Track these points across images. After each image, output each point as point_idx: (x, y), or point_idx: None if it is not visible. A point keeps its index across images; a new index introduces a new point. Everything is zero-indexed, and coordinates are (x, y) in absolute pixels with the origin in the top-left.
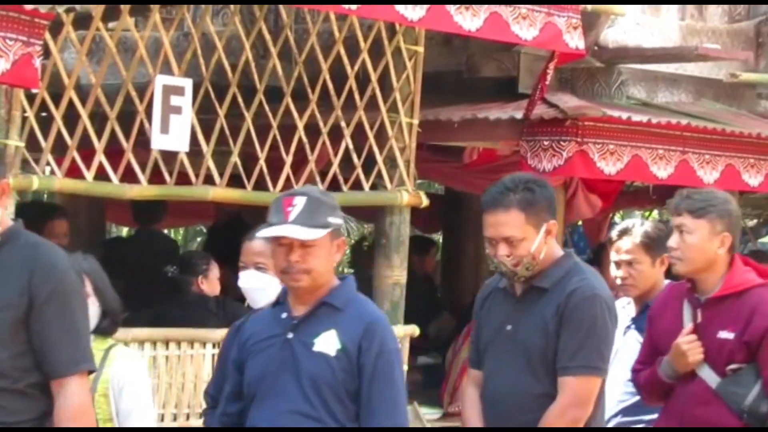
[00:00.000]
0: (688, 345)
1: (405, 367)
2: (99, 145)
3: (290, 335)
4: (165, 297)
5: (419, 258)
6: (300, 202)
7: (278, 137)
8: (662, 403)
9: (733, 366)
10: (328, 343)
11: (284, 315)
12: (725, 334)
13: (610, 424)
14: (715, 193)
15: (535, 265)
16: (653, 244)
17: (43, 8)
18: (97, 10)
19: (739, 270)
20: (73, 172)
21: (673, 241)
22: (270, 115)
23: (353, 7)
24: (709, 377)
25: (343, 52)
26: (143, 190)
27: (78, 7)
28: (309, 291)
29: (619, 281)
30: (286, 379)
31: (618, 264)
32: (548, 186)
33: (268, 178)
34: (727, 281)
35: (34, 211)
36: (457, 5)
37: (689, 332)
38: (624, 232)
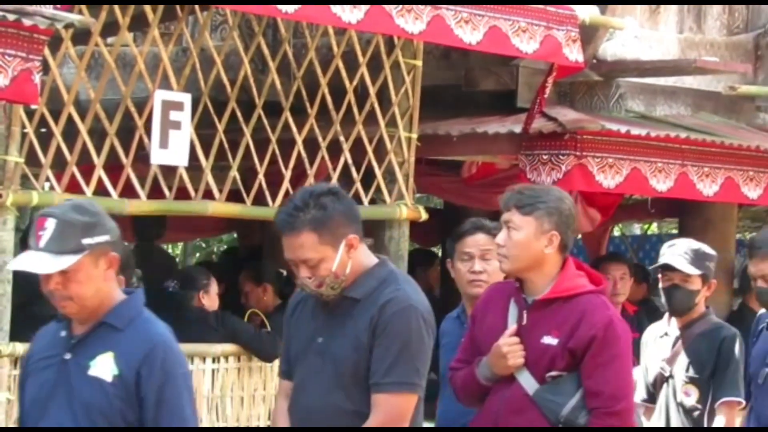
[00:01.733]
0: (509, 347)
1: None
2: (98, 161)
3: (68, 356)
4: (165, 312)
5: (423, 270)
6: (50, 225)
7: (277, 152)
8: (479, 405)
9: (553, 373)
10: (104, 367)
11: (63, 333)
12: (549, 340)
13: None
14: (548, 189)
15: (341, 282)
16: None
17: (42, 24)
18: (96, 25)
19: (571, 274)
20: (73, 188)
21: (499, 237)
22: (269, 129)
23: (352, 21)
24: (528, 383)
25: (341, 66)
26: (142, 205)
27: (76, 22)
28: (80, 314)
29: None
30: (59, 405)
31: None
32: (344, 197)
33: (267, 193)
34: (556, 284)
35: None
36: (457, 19)
37: (512, 334)
38: None
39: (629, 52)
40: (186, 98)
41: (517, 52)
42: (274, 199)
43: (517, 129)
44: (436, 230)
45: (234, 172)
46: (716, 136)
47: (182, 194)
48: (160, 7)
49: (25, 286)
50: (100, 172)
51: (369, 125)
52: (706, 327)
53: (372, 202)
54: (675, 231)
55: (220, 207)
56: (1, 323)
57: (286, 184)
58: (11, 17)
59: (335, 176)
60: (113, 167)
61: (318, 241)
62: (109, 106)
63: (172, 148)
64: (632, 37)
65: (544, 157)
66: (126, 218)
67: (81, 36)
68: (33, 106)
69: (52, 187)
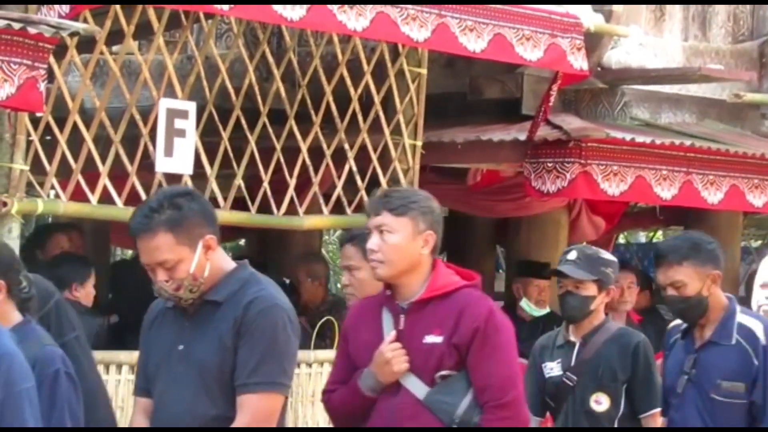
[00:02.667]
0: (393, 352)
1: None
2: (103, 169)
3: None
4: None
5: None
6: None
7: (282, 160)
8: (362, 423)
9: (442, 373)
10: None
11: None
12: (432, 338)
13: None
14: (414, 191)
15: (200, 284)
16: None
17: (47, 32)
18: (101, 33)
19: (443, 272)
20: (78, 196)
21: (372, 243)
22: (274, 137)
23: (357, 28)
24: (417, 387)
25: (346, 74)
26: None
27: (82, 30)
28: None
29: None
30: None
31: None
32: (199, 198)
33: (272, 201)
34: (431, 284)
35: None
36: (462, 27)
37: (392, 340)
38: None
39: (634, 59)
40: (191, 106)
41: (522, 60)
42: (278, 207)
43: (522, 137)
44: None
45: (239, 180)
46: (721, 144)
47: None
48: (165, 15)
49: None
50: (105, 180)
51: (374, 133)
52: (610, 333)
53: None
54: None
55: (225, 215)
56: None
57: (290, 191)
58: (17, 26)
59: (340, 184)
60: (118, 175)
61: (174, 241)
62: (114, 114)
63: (177, 156)
64: (637, 44)
65: (549, 164)
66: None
67: (86, 44)
68: (38, 114)
69: (57, 195)
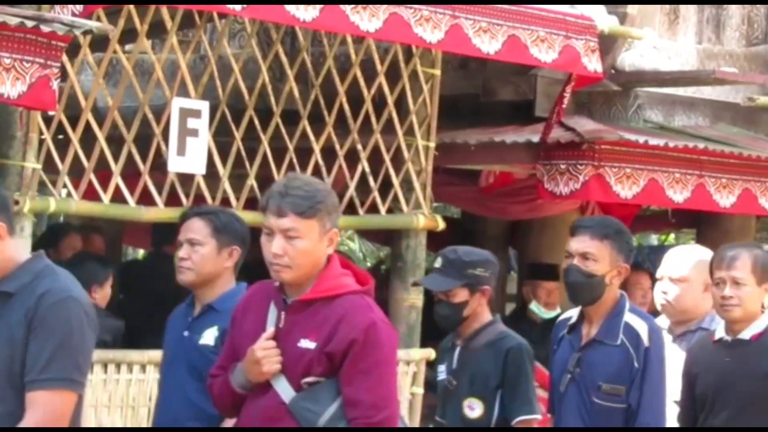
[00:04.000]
0: (265, 352)
1: (421, 390)
2: (116, 168)
3: None
4: None
5: None
6: None
7: (295, 160)
8: (235, 415)
9: (309, 379)
10: None
11: None
12: (306, 343)
13: None
14: (314, 184)
15: None
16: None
17: (60, 31)
18: (115, 32)
19: (334, 272)
20: (90, 195)
21: (278, 247)
22: (286, 138)
23: (370, 30)
24: (284, 390)
25: (359, 75)
26: (159, 212)
27: (95, 29)
28: None
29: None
30: None
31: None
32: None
33: None
34: (317, 284)
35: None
36: (476, 29)
37: (269, 338)
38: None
39: (648, 62)
40: (204, 106)
41: (536, 62)
42: None
43: (535, 139)
44: (453, 239)
45: (251, 180)
46: (734, 147)
47: (199, 202)
48: (179, 15)
49: None
50: (117, 179)
51: (387, 134)
52: (490, 337)
53: (389, 211)
54: (693, 242)
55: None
56: None
57: None
58: (30, 24)
59: (353, 185)
60: (130, 174)
61: None
62: (126, 113)
63: (190, 155)
64: (651, 47)
65: (562, 167)
66: (144, 225)
67: (99, 43)
68: (51, 113)
69: (69, 194)
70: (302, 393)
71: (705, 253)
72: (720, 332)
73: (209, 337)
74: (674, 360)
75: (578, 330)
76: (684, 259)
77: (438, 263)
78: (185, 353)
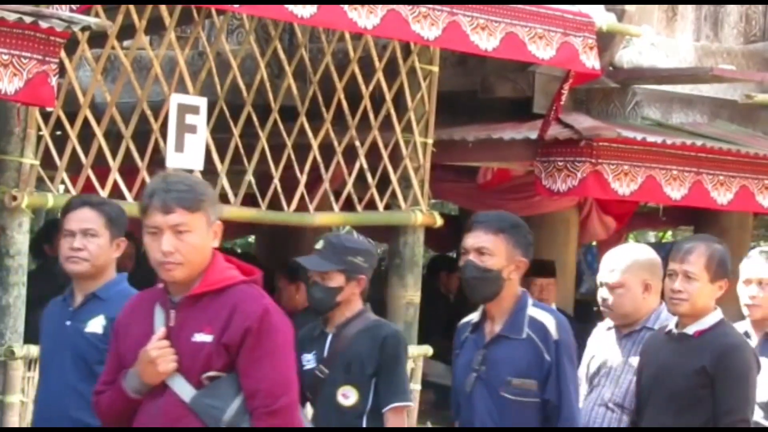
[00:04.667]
0: (159, 351)
1: (418, 387)
2: (114, 164)
3: None
4: None
5: (447, 276)
6: None
7: (293, 156)
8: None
9: (209, 374)
10: None
11: None
12: (202, 337)
13: None
14: (192, 178)
15: None
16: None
17: (58, 26)
18: (113, 28)
19: (220, 266)
20: (88, 191)
21: (168, 244)
22: (284, 134)
23: (368, 26)
24: (183, 389)
25: (357, 71)
26: None
27: (93, 25)
28: None
29: None
30: None
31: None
32: None
33: (282, 198)
34: (205, 278)
35: None
36: (473, 26)
37: (161, 337)
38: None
39: (646, 59)
40: (202, 102)
41: (534, 59)
42: (288, 204)
43: (533, 135)
44: (450, 236)
45: (249, 177)
46: (732, 145)
47: None
48: (177, 11)
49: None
50: (115, 175)
51: (384, 130)
52: (364, 325)
53: (387, 207)
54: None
55: (235, 211)
56: (15, 325)
57: (301, 188)
58: (28, 19)
59: (350, 181)
60: (128, 170)
61: None
62: (124, 109)
63: (188, 151)
64: (649, 44)
65: (560, 163)
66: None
67: (97, 39)
68: (49, 109)
69: (67, 190)
70: (203, 390)
71: (640, 252)
72: (672, 324)
73: (96, 325)
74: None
75: (481, 328)
76: (617, 264)
77: (319, 245)
78: (70, 343)
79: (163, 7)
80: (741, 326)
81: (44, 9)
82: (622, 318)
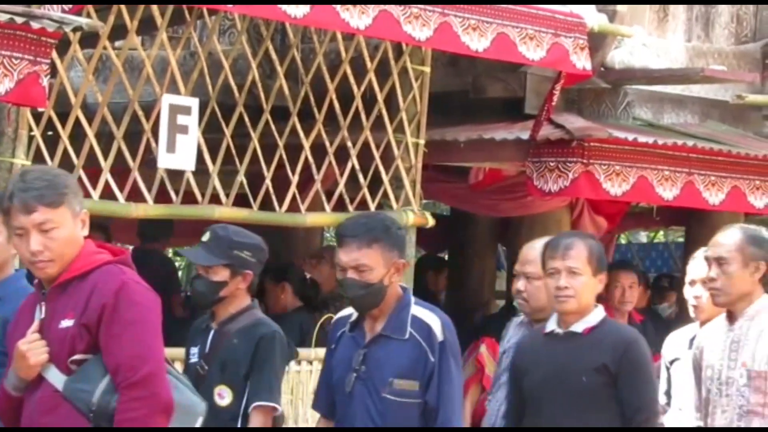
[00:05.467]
0: (29, 345)
1: None
2: (105, 164)
3: None
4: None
5: (435, 275)
6: None
7: (284, 157)
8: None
9: (75, 357)
10: None
11: None
12: (66, 323)
13: None
14: (51, 172)
15: None
16: None
17: (50, 27)
18: (104, 28)
19: (88, 251)
20: None
21: (35, 243)
22: (276, 134)
23: (360, 27)
24: (56, 378)
25: (349, 71)
26: (149, 209)
27: (85, 25)
28: None
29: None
30: None
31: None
32: None
33: (274, 198)
34: (72, 265)
35: None
36: (464, 26)
37: (34, 330)
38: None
39: (637, 60)
40: (193, 102)
41: (524, 60)
42: (281, 204)
43: (525, 136)
44: (442, 236)
45: (241, 177)
46: (723, 145)
47: (189, 198)
48: (169, 11)
49: None
50: (107, 176)
51: (376, 131)
52: (245, 323)
53: (379, 207)
54: (682, 239)
55: (226, 212)
56: None
57: (293, 189)
58: (19, 20)
59: (342, 181)
60: (120, 171)
61: None
62: (116, 109)
63: (180, 152)
64: (640, 45)
65: (551, 164)
66: (133, 222)
67: (89, 39)
68: (40, 109)
69: None
70: (73, 375)
71: None
72: (551, 325)
73: None
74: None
75: (361, 327)
76: (538, 254)
77: (206, 237)
78: None
79: (154, 8)
80: (690, 328)
81: (35, 9)
82: (537, 312)
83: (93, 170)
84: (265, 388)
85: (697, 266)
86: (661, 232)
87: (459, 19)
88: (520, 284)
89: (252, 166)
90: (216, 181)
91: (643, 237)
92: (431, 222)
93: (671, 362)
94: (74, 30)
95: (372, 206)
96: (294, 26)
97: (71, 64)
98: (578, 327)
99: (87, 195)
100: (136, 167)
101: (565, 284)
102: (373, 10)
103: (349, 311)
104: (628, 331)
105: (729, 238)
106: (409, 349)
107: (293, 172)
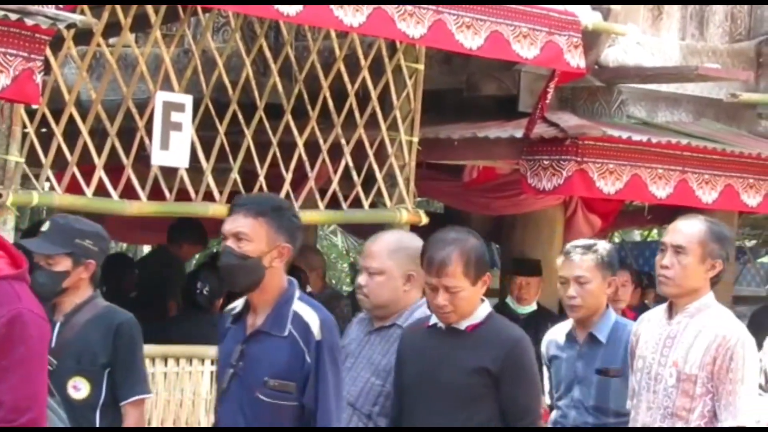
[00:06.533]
0: None
1: None
2: (99, 161)
3: None
4: (185, 314)
5: None
6: None
7: (278, 154)
8: None
9: None
10: None
11: None
12: None
13: None
14: None
15: None
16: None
17: (44, 24)
18: (98, 25)
19: None
20: (73, 188)
21: None
22: (270, 132)
23: (354, 24)
24: None
25: (343, 69)
26: (143, 206)
27: (79, 22)
28: None
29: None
30: None
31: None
32: None
33: None
34: None
35: None
36: (459, 24)
37: None
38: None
39: (631, 58)
40: (187, 100)
41: (518, 58)
42: None
43: (519, 134)
44: None
45: (235, 174)
46: (717, 144)
47: (183, 196)
48: (162, 9)
49: None
50: (100, 173)
51: (370, 128)
52: (96, 311)
53: (372, 205)
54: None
55: (220, 209)
56: None
57: (286, 186)
58: (13, 17)
59: (336, 179)
60: (114, 168)
61: None
62: (110, 106)
63: (173, 149)
64: (634, 43)
65: (545, 162)
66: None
67: (83, 36)
68: (34, 106)
69: (52, 188)
70: None
71: (408, 240)
72: (435, 318)
73: None
74: None
75: (243, 320)
76: (381, 248)
77: (45, 227)
78: None
79: (148, 5)
80: (564, 326)
81: (30, 6)
82: (376, 309)
83: (87, 167)
84: (138, 380)
85: (568, 264)
86: (655, 231)
87: (453, 16)
88: (361, 279)
89: (246, 164)
90: (210, 179)
91: (636, 235)
92: (425, 220)
93: (550, 360)
94: (68, 27)
95: (366, 204)
96: (288, 24)
97: (65, 62)
98: (462, 324)
99: (81, 192)
100: (130, 164)
101: (444, 302)
102: (367, 7)
103: (235, 303)
104: (513, 330)
105: (692, 227)
106: (287, 348)
107: (287, 170)
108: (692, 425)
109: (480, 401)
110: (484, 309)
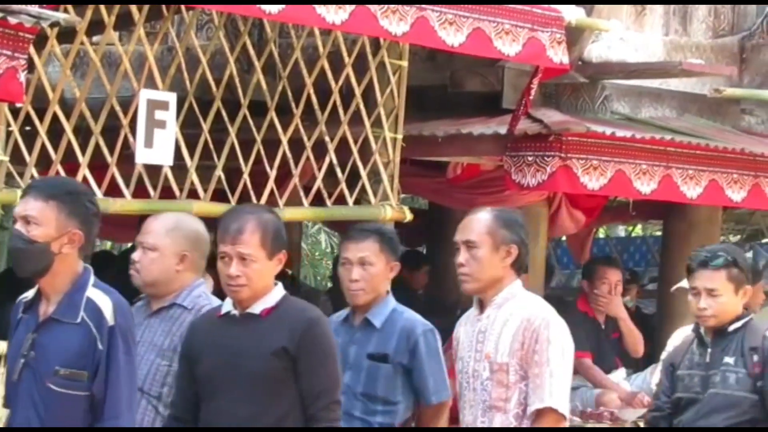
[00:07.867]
0: None
1: None
2: (83, 159)
3: None
4: None
5: (410, 271)
6: None
7: (262, 152)
8: None
9: None
10: None
11: None
12: None
13: None
14: None
15: None
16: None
17: (27, 22)
18: (82, 24)
19: None
20: None
21: None
22: (254, 129)
23: (336, 22)
24: None
25: (327, 66)
26: (127, 204)
27: (62, 20)
28: None
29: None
30: None
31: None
32: None
33: (252, 193)
34: None
35: None
36: (441, 21)
37: None
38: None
39: (615, 54)
40: (171, 97)
41: (500, 55)
42: (258, 199)
43: (503, 130)
44: (420, 231)
45: (219, 172)
46: (701, 139)
47: (167, 194)
48: (146, 7)
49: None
50: (84, 171)
51: (354, 126)
52: None
53: (357, 202)
54: (659, 233)
55: (204, 207)
56: None
57: (271, 184)
58: None
59: (320, 176)
60: (98, 166)
61: None
62: (94, 104)
63: (157, 147)
64: (618, 39)
65: (529, 158)
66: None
67: (66, 34)
68: (18, 105)
69: None
70: None
71: (188, 222)
72: (227, 306)
73: None
74: None
75: (35, 309)
76: (159, 226)
77: None
78: None
79: (132, 4)
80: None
81: (13, 6)
82: (149, 287)
83: (71, 165)
84: None
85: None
86: (639, 227)
87: (436, 13)
88: (135, 254)
89: (230, 161)
90: (194, 176)
91: (621, 231)
92: (409, 217)
93: None
94: (52, 25)
95: (350, 201)
96: (271, 21)
97: (49, 60)
98: (256, 308)
99: None
100: (114, 162)
101: (236, 272)
102: (349, 5)
103: (28, 293)
104: (309, 309)
105: (478, 221)
106: (80, 335)
107: (271, 167)
108: (510, 415)
109: (282, 384)
110: (278, 292)
